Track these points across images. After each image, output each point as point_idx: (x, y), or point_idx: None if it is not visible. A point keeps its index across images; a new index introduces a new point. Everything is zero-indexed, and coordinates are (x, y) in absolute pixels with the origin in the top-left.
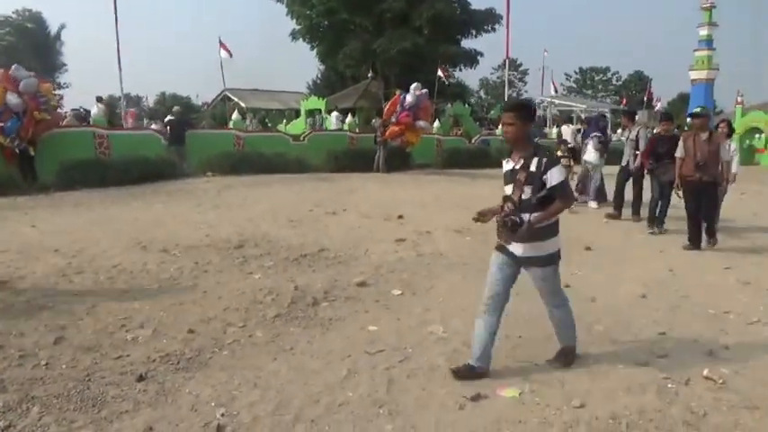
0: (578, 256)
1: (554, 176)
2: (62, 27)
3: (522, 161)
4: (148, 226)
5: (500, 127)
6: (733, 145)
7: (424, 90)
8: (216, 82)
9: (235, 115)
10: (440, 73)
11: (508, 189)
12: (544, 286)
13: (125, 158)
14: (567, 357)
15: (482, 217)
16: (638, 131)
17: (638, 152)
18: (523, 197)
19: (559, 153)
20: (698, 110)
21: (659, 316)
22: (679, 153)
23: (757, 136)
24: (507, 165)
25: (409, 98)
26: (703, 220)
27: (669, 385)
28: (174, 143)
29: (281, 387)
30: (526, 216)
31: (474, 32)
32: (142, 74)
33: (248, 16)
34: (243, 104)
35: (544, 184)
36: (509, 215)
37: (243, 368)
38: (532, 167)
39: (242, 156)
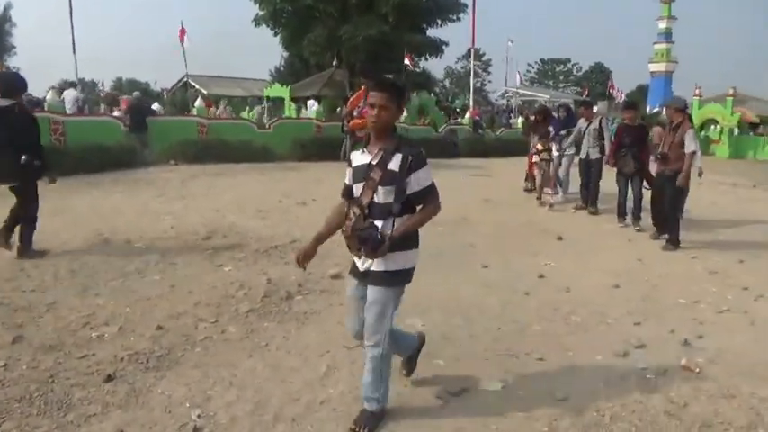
0: (550, 247)
1: (420, 179)
2: (9, 6)
3: (380, 155)
4: (109, 216)
5: (466, 116)
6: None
7: None
8: (175, 68)
9: (198, 102)
10: (407, 61)
11: (357, 189)
12: (373, 311)
13: (82, 146)
14: None
15: (304, 261)
16: (600, 121)
17: (602, 142)
18: (376, 200)
19: (540, 147)
20: (670, 102)
21: (633, 306)
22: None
23: (713, 127)
24: (361, 158)
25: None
26: (667, 216)
27: (648, 376)
28: (135, 130)
29: (258, 385)
30: (380, 225)
31: (439, 21)
32: (98, 58)
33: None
34: (204, 91)
35: (405, 189)
36: (365, 228)
37: (217, 366)
38: (392, 165)
39: (206, 144)
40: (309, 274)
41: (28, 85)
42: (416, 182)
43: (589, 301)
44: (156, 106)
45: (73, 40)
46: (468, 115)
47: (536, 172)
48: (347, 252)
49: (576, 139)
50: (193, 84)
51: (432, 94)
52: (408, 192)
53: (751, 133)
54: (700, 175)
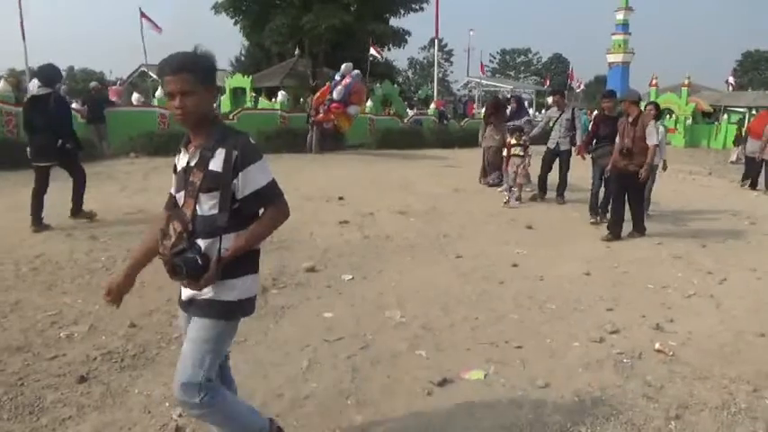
0: (520, 236)
1: (252, 179)
2: None
3: (198, 154)
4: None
5: (431, 107)
6: (661, 128)
7: (356, 72)
8: (131, 57)
9: (159, 92)
10: (373, 51)
11: (180, 198)
12: (190, 352)
13: None
14: None
15: (116, 298)
16: (572, 111)
17: (573, 133)
18: (199, 211)
19: (513, 141)
20: (626, 95)
21: (604, 293)
22: (618, 139)
23: (668, 116)
24: (181, 159)
25: (336, 95)
26: (630, 210)
27: (624, 360)
28: (92, 122)
29: (239, 382)
30: (205, 244)
31: (402, 11)
32: (47, 46)
33: None
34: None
35: (233, 194)
36: (181, 251)
37: None
38: (213, 165)
39: (168, 135)
40: (284, 267)
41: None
42: (247, 183)
43: (562, 289)
44: (135, 97)
45: (22, 27)
46: (432, 106)
47: (510, 170)
48: (318, 245)
49: (544, 129)
50: (150, 73)
51: (395, 85)
52: (239, 196)
53: (704, 122)
54: (664, 168)
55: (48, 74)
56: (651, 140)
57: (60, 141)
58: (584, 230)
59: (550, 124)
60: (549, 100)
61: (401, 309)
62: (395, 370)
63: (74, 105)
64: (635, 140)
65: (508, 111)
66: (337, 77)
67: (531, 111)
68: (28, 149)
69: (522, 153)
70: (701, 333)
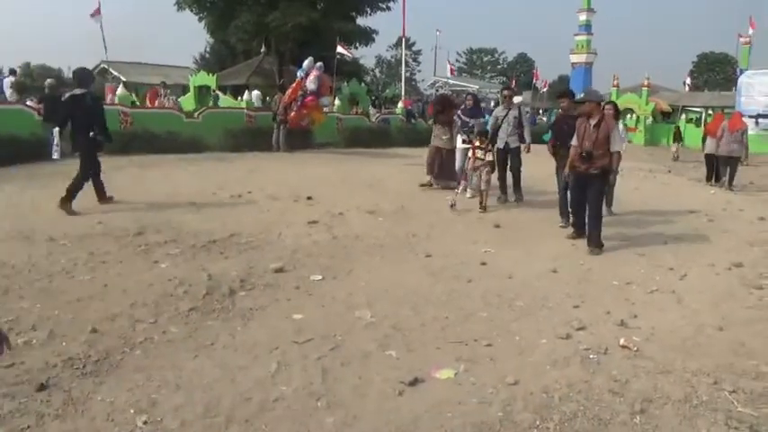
0: (488, 234)
1: None
2: None
3: None
4: (27, 213)
5: (399, 106)
6: (620, 126)
7: (319, 64)
8: (89, 54)
9: (120, 90)
10: (341, 49)
11: None
12: None
13: None
14: None
15: None
16: (519, 109)
17: (520, 130)
18: None
19: (477, 143)
20: (580, 96)
21: (571, 290)
22: (573, 141)
23: (629, 116)
24: None
25: (311, 85)
26: (587, 217)
27: (591, 356)
28: (50, 120)
29: (206, 386)
30: None
31: (369, 10)
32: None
33: None
34: (123, 78)
35: None
36: None
37: (160, 368)
38: None
39: (130, 134)
40: (251, 268)
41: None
42: None
43: (530, 287)
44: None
45: None
46: (400, 105)
47: (474, 176)
48: (287, 245)
49: (493, 128)
50: (111, 70)
51: (363, 83)
52: None
53: (663, 121)
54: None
55: (82, 76)
56: (615, 147)
57: (92, 133)
58: (550, 229)
59: (499, 122)
60: (516, 99)
61: (371, 309)
62: (365, 370)
63: (29, 103)
64: (596, 143)
65: (460, 110)
66: (300, 74)
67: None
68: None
69: (485, 157)
70: (663, 328)
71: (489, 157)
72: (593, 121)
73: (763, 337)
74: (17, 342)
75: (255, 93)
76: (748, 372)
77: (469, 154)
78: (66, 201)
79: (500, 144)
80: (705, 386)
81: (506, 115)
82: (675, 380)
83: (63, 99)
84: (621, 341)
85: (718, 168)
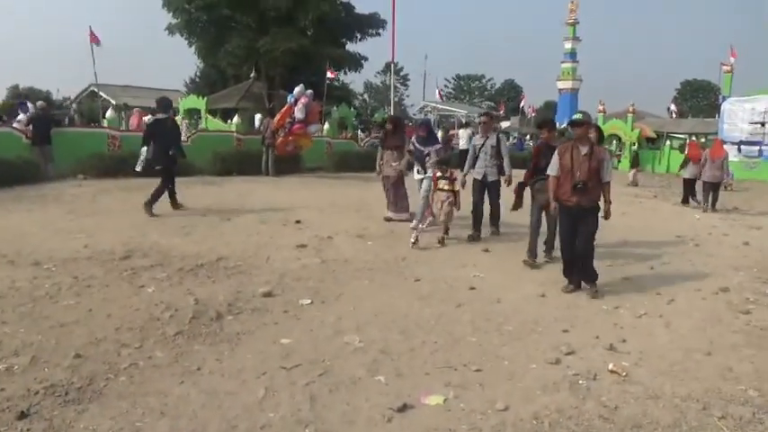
0: (477, 259)
1: None
2: None
3: None
4: (13, 237)
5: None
6: (606, 153)
7: (309, 91)
8: (78, 76)
9: (109, 113)
10: (329, 74)
11: None
12: None
13: None
14: None
15: None
16: (497, 137)
17: (500, 161)
18: None
19: (439, 174)
20: (578, 116)
21: (559, 314)
22: (552, 170)
23: (614, 142)
24: None
25: (298, 113)
26: (578, 253)
27: (580, 381)
28: (38, 143)
29: (192, 413)
30: None
31: (359, 36)
32: None
33: (120, 7)
34: (113, 101)
35: None
36: None
37: (145, 394)
38: None
39: (118, 157)
40: (239, 292)
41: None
42: None
43: (519, 311)
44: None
45: None
46: None
47: (435, 207)
48: (275, 269)
49: (473, 158)
50: (100, 93)
51: (352, 108)
52: None
53: (649, 147)
54: None
55: (164, 104)
56: (607, 177)
57: (171, 151)
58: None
59: (476, 152)
60: (503, 125)
61: (360, 333)
62: (354, 397)
63: (15, 125)
64: (590, 173)
65: (414, 138)
66: (291, 99)
67: (465, 132)
68: (142, 158)
69: (448, 187)
70: (652, 353)
71: (454, 187)
72: (584, 148)
73: (751, 362)
74: None
75: (257, 117)
76: (737, 397)
77: (432, 187)
78: (149, 205)
79: (477, 175)
80: (694, 411)
81: (483, 144)
82: (665, 405)
83: (148, 122)
84: (610, 366)
85: (694, 192)
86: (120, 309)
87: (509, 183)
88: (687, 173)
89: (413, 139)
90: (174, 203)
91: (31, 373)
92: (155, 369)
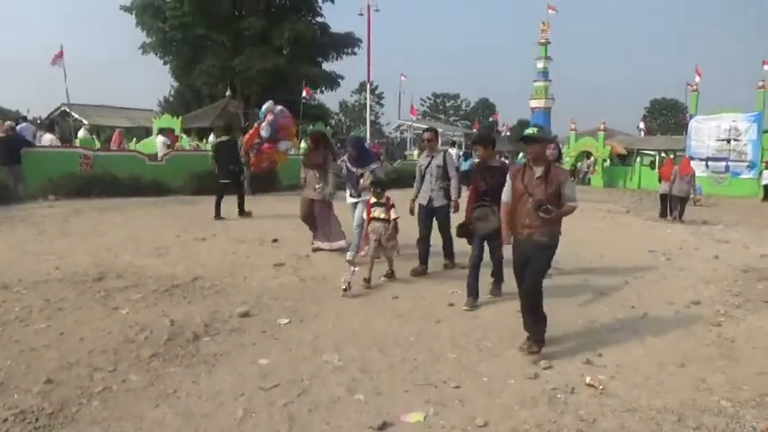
0: (455, 275)
1: None
2: None
3: None
4: None
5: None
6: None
7: (279, 108)
8: (49, 96)
9: (81, 133)
10: (305, 93)
11: None
12: None
13: None
14: None
15: None
16: (444, 157)
17: (446, 184)
18: None
19: (374, 199)
20: (531, 131)
21: None
22: (505, 195)
23: (591, 158)
24: None
25: (264, 132)
26: (525, 296)
27: (558, 395)
28: (7, 163)
29: None
30: None
31: (335, 55)
32: None
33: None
34: (85, 121)
35: None
36: None
37: (119, 419)
38: None
39: (91, 177)
40: (216, 312)
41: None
42: None
43: (497, 326)
44: (47, 138)
45: None
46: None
47: (371, 237)
48: (253, 289)
49: (420, 182)
50: (71, 113)
51: (327, 126)
52: None
53: (620, 164)
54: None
55: (226, 127)
56: (572, 203)
57: (231, 167)
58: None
59: (422, 173)
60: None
61: (339, 352)
62: (333, 416)
63: None
64: (547, 200)
65: (346, 157)
66: (261, 116)
67: (454, 152)
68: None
69: (384, 216)
70: (627, 365)
71: (390, 215)
72: (538, 169)
73: (723, 373)
74: None
75: (160, 139)
76: (710, 408)
77: (364, 215)
78: (243, 212)
79: (422, 200)
80: (670, 423)
81: (429, 164)
82: (641, 417)
83: (214, 144)
84: (587, 379)
85: (671, 205)
86: (93, 331)
87: (456, 209)
88: (661, 189)
89: (345, 158)
90: (241, 211)
91: (0, 400)
92: (129, 393)
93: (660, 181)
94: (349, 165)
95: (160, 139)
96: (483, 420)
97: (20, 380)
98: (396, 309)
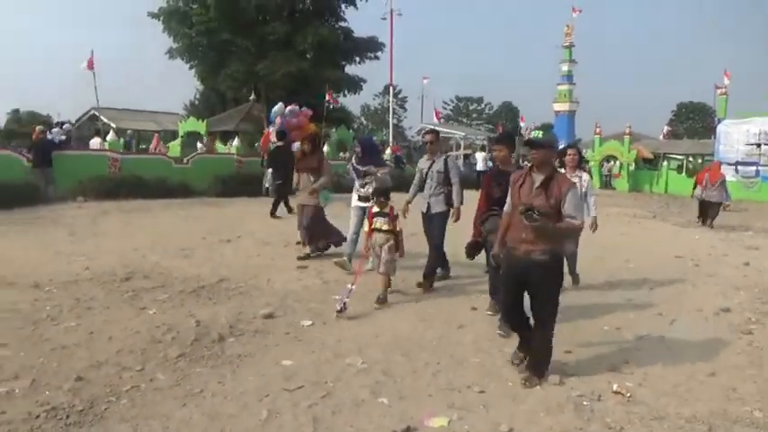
0: (478, 279)
1: None
2: None
3: None
4: (13, 259)
5: (387, 152)
6: (585, 176)
7: (289, 108)
8: (79, 100)
9: (110, 136)
10: (328, 97)
11: None
12: None
13: None
14: None
15: None
16: (445, 161)
17: (447, 189)
18: None
19: (376, 209)
20: (536, 133)
21: (562, 335)
22: (507, 206)
23: (612, 162)
24: None
25: (273, 137)
26: (532, 332)
27: (584, 402)
28: (38, 165)
29: None
30: None
31: (358, 59)
32: None
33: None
34: (113, 125)
35: None
36: None
37: (147, 417)
38: None
39: (119, 179)
40: (241, 314)
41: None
42: None
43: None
44: (95, 141)
45: None
46: (389, 151)
47: (371, 252)
48: (277, 291)
49: (418, 187)
50: (100, 116)
51: (350, 130)
52: None
53: (646, 168)
54: (594, 228)
55: (281, 133)
56: (575, 219)
57: (285, 170)
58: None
59: (423, 178)
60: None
61: (362, 355)
62: (357, 419)
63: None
64: (546, 210)
65: (353, 160)
66: (272, 119)
67: (482, 156)
68: (270, 178)
69: (387, 227)
70: (655, 373)
71: (394, 226)
72: (538, 177)
73: (754, 382)
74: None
75: (199, 145)
76: (742, 418)
77: (366, 227)
78: (274, 214)
79: (423, 207)
80: None
81: (429, 169)
82: (670, 426)
83: (271, 149)
84: (614, 387)
85: (704, 211)
86: (121, 331)
87: (457, 218)
88: (696, 194)
89: (352, 161)
90: (273, 213)
91: (33, 397)
92: (156, 392)
93: (695, 186)
94: (356, 165)
95: (199, 145)
96: (507, 426)
97: (51, 377)
98: (418, 312)
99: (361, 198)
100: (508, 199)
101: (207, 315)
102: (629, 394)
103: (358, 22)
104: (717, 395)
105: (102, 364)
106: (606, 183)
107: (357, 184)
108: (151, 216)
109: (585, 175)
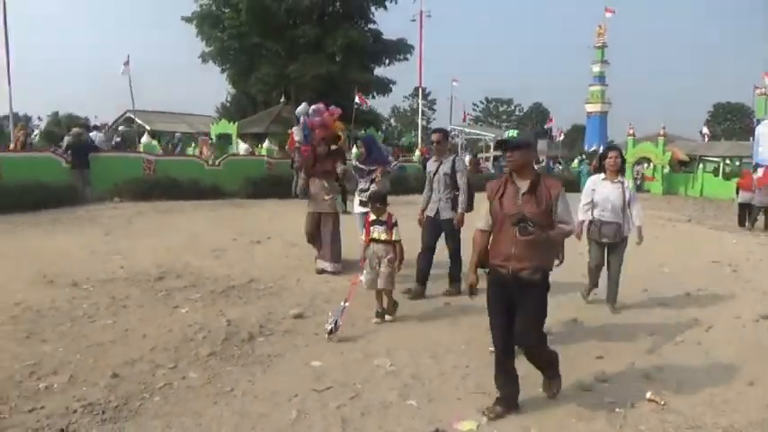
0: None
1: None
2: None
3: None
4: (52, 258)
5: (416, 153)
6: (628, 182)
7: (312, 108)
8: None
9: (145, 138)
10: (357, 99)
11: None
12: None
13: (19, 183)
14: None
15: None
16: (453, 163)
17: (455, 194)
18: None
19: (374, 216)
20: (510, 133)
21: (593, 340)
22: (480, 221)
23: (645, 165)
24: None
25: (296, 137)
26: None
27: (617, 410)
28: (76, 167)
29: None
30: None
31: (387, 61)
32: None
33: (153, 36)
34: (148, 127)
35: None
36: None
37: (180, 415)
38: None
39: (153, 181)
40: (270, 314)
41: None
42: None
43: (550, 336)
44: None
45: (8, 70)
46: (417, 153)
47: (367, 263)
48: (306, 291)
49: (429, 192)
50: (136, 119)
51: (379, 132)
52: None
53: (682, 170)
54: (639, 240)
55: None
56: (565, 225)
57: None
58: (567, 279)
59: (430, 180)
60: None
61: (390, 357)
62: (386, 421)
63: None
64: (537, 221)
65: (357, 160)
66: (298, 120)
67: None
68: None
69: (386, 237)
70: (690, 382)
71: (393, 236)
72: (523, 183)
73: None
74: (38, 386)
75: (243, 146)
76: None
77: (363, 236)
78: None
79: (430, 212)
80: None
81: (436, 171)
82: None
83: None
84: (648, 394)
85: (751, 214)
86: (155, 329)
87: (461, 223)
88: (740, 198)
89: (355, 162)
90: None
91: (70, 392)
92: (189, 389)
93: (738, 191)
94: (360, 164)
95: (242, 146)
96: (537, 431)
97: (88, 373)
98: (448, 315)
99: (362, 203)
100: (482, 213)
101: (237, 314)
102: (663, 402)
103: (387, 23)
104: (755, 405)
105: (137, 361)
106: (638, 186)
107: (360, 186)
108: (184, 217)
109: (628, 182)
